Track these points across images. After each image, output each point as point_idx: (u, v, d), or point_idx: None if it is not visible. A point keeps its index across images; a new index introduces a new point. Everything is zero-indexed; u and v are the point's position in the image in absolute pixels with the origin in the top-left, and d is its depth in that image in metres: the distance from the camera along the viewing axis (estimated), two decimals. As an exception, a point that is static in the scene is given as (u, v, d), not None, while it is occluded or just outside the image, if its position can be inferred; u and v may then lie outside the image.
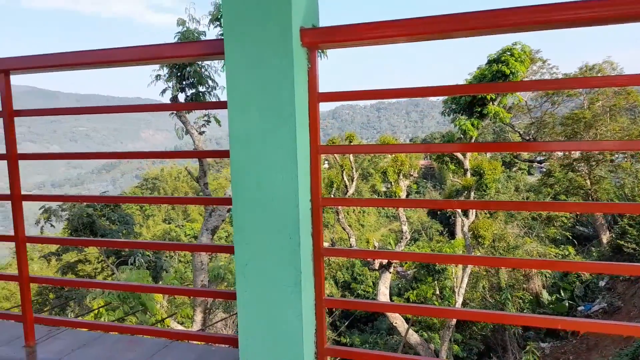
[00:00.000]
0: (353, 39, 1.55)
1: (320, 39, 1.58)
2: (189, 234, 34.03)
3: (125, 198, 2.21)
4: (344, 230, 16.04)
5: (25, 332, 2.17)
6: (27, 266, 2.19)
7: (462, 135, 15.33)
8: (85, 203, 12.11)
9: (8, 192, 2.12)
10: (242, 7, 1.52)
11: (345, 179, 16.19)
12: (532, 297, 16.49)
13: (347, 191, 16.21)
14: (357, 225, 37.84)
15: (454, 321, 14.22)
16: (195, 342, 2.18)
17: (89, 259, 14.25)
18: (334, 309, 17.76)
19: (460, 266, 15.70)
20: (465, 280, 15.17)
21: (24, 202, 2.16)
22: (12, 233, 2.29)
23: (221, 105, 1.80)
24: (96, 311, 8.37)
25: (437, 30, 1.49)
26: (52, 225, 12.64)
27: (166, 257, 14.46)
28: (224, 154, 1.76)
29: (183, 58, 1.86)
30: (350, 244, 15.73)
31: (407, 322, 13.78)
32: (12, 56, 2.06)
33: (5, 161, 2.14)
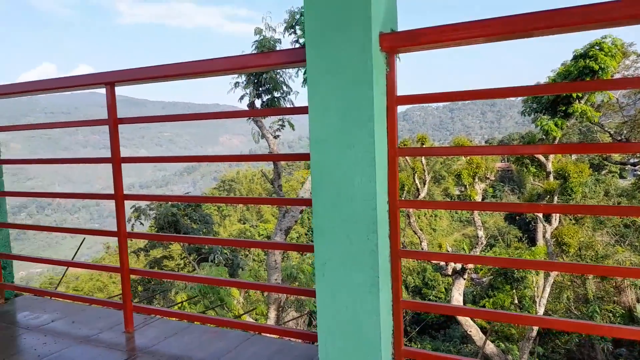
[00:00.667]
0: (436, 41, 1.55)
1: (400, 43, 1.60)
2: (262, 234, 35.14)
3: (213, 198, 2.37)
4: (415, 234, 15.73)
5: (125, 319, 2.40)
6: (128, 259, 2.42)
7: (544, 136, 14.41)
8: (170, 203, 13.01)
9: (97, 191, 2.36)
10: (324, 16, 1.58)
11: (417, 181, 15.87)
12: (624, 311, 15.07)
13: (419, 194, 15.87)
14: (429, 229, 36.89)
15: (534, 332, 13.38)
16: (275, 336, 2.28)
17: (173, 255, 15.31)
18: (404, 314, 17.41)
19: (542, 274, 14.76)
20: (548, 289, 14.22)
21: (118, 201, 2.39)
22: (107, 229, 2.55)
23: (301, 110, 1.88)
24: (180, 304, 8.96)
25: (522, 29, 1.45)
26: (141, 223, 13.75)
27: (242, 255, 15.09)
28: (304, 157, 1.84)
29: (268, 67, 1.97)
30: (422, 248, 15.38)
31: (484, 332, 13.19)
32: (116, 70, 2.29)
33: (105, 163, 2.39)
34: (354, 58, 1.56)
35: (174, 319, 2.60)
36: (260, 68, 2.02)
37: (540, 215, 15.37)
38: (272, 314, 10.05)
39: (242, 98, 10.17)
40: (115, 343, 2.28)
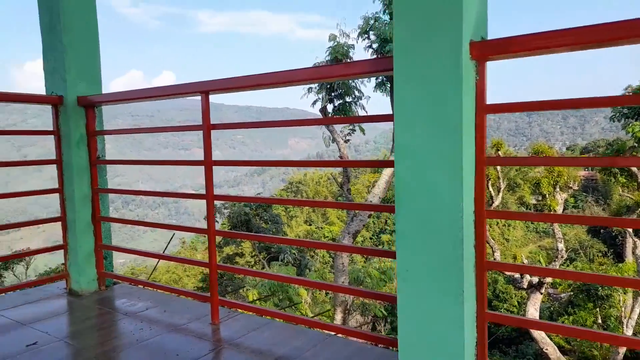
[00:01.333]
0: (528, 49, 1.52)
1: (491, 51, 1.59)
2: (327, 236, 35.40)
3: (310, 202, 2.47)
4: (487, 243, 15.09)
5: (212, 311, 2.57)
6: (216, 255, 2.59)
7: (636, 144, 13.22)
8: (243, 202, 13.55)
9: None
10: (413, 26, 1.61)
11: (491, 189, 15.21)
12: None
13: (492, 202, 15.21)
14: (501, 239, 35.15)
15: (620, 355, 12.30)
16: (352, 337, 2.33)
17: (244, 253, 15.95)
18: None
19: (630, 293, 13.53)
20: (638, 310, 13.01)
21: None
22: (194, 226, 2.74)
23: (385, 118, 1.91)
24: (251, 302, 9.32)
25: (614, 37, 1.38)
26: (216, 221, 14.45)
27: (309, 256, 15.38)
28: (388, 163, 1.87)
29: (354, 76, 2.02)
30: (494, 259, 14.71)
31: (562, 352, 12.35)
32: (210, 80, 2.46)
33: (191, 165, 2.57)
34: (444, 67, 1.57)
35: (255, 314, 2.73)
36: (346, 77, 2.08)
37: (630, 229, 14.11)
38: (338, 316, 10.13)
39: (314, 103, 10.39)
40: (203, 333, 2.44)
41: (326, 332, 2.41)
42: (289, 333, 2.43)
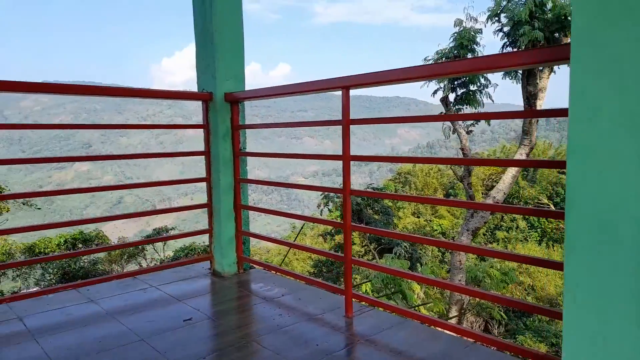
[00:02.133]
0: None
1: None
2: (437, 230, 34.29)
3: (480, 204, 2.37)
4: None
5: (346, 305, 2.60)
6: (351, 249, 2.61)
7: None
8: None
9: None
10: (597, 11, 1.41)
11: None
12: None
13: None
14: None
15: None
16: (495, 348, 2.18)
17: (355, 242, 16.15)
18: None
19: None
20: None
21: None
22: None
23: (556, 113, 1.72)
24: (364, 290, 9.42)
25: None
26: (329, 210, 14.88)
27: (420, 250, 15.06)
28: (558, 164, 1.68)
29: (518, 66, 1.85)
30: None
31: None
32: (351, 75, 2.46)
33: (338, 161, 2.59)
34: (635, 56, 1.35)
35: (388, 311, 2.70)
36: (506, 68, 1.92)
37: None
38: (453, 314, 9.73)
39: (435, 92, 9.99)
40: (338, 326, 2.49)
41: (468, 339, 2.29)
42: (424, 335, 2.35)
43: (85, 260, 12.18)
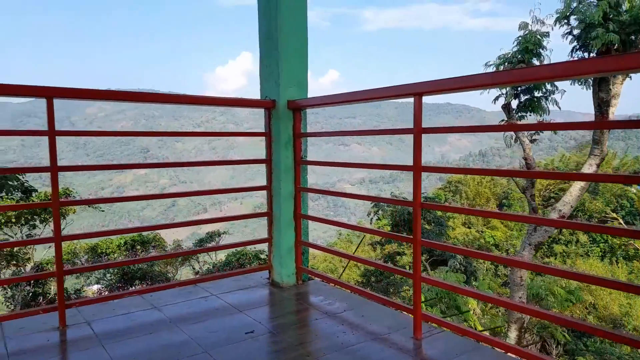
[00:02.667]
0: None
1: None
2: (488, 241, 32.95)
3: (558, 222, 2.17)
4: None
5: (415, 325, 2.44)
6: (420, 265, 2.45)
7: None
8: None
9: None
10: None
11: None
12: None
13: None
14: None
15: None
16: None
17: (405, 252, 15.77)
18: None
19: None
20: None
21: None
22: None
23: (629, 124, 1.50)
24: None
25: None
26: (378, 219, 14.64)
27: (475, 263, 14.47)
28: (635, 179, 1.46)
29: (618, 71, 1.64)
30: None
31: None
32: (423, 81, 2.32)
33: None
34: None
35: (459, 334, 2.52)
36: (597, 74, 1.70)
37: None
38: (513, 334, 9.22)
39: (496, 99, 9.55)
40: (406, 348, 2.33)
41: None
42: (506, 364, 2.15)
43: (145, 263, 12.63)
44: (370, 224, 14.93)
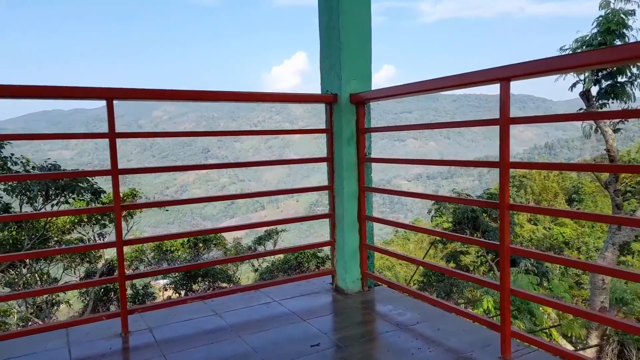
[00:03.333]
0: None
1: None
2: (557, 239, 30.96)
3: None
4: None
5: (502, 343, 2.14)
6: (509, 276, 2.14)
7: None
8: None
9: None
10: None
11: None
12: None
13: None
14: None
15: None
16: None
17: (470, 252, 15.05)
18: None
19: None
20: None
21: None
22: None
23: None
24: (486, 307, 8.59)
25: None
26: (440, 216, 14.07)
27: (547, 263, 13.49)
28: None
29: None
30: None
31: None
32: (512, 64, 2.01)
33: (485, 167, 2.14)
34: None
35: (551, 353, 2.18)
36: None
37: None
38: (593, 341, 8.44)
39: (573, 86, 8.75)
40: (493, 369, 2.04)
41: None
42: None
43: (206, 260, 12.94)
44: (431, 221, 14.38)
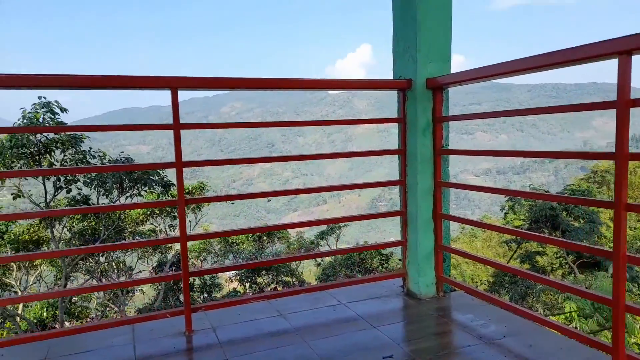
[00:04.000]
0: None
1: None
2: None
3: None
4: None
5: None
6: (624, 291, 1.78)
7: None
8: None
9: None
10: None
11: None
12: None
13: None
14: None
15: None
16: None
17: (547, 252, 13.94)
18: None
19: None
20: None
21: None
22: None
23: None
24: (567, 314, 7.87)
25: None
26: (514, 213, 13.20)
27: (638, 267, 12.17)
28: None
29: None
30: None
31: None
32: (634, 33, 1.64)
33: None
34: None
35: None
36: None
37: None
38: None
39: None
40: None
41: None
42: None
43: (269, 254, 13.12)
44: (504, 219, 13.50)
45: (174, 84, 2.29)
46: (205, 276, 12.60)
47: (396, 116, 2.87)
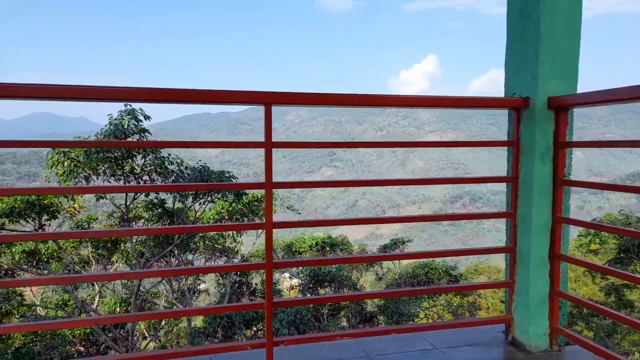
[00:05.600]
0: None
1: None
2: None
3: None
4: None
5: None
6: None
7: None
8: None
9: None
10: None
11: None
12: None
13: None
14: None
15: None
16: None
17: (637, 286, 12.46)
18: None
19: None
20: None
21: None
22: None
23: None
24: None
25: None
26: (600, 239, 12.00)
27: None
28: None
29: None
30: None
31: None
32: None
33: None
34: None
35: None
36: None
37: None
38: None
39: None
40: None
41: None
42: None
43: (333, 266, 12.91)
44: (583, 247, 12.33)
45: (268, 100, 2.13)
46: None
47: (506, 139, 2.53)
